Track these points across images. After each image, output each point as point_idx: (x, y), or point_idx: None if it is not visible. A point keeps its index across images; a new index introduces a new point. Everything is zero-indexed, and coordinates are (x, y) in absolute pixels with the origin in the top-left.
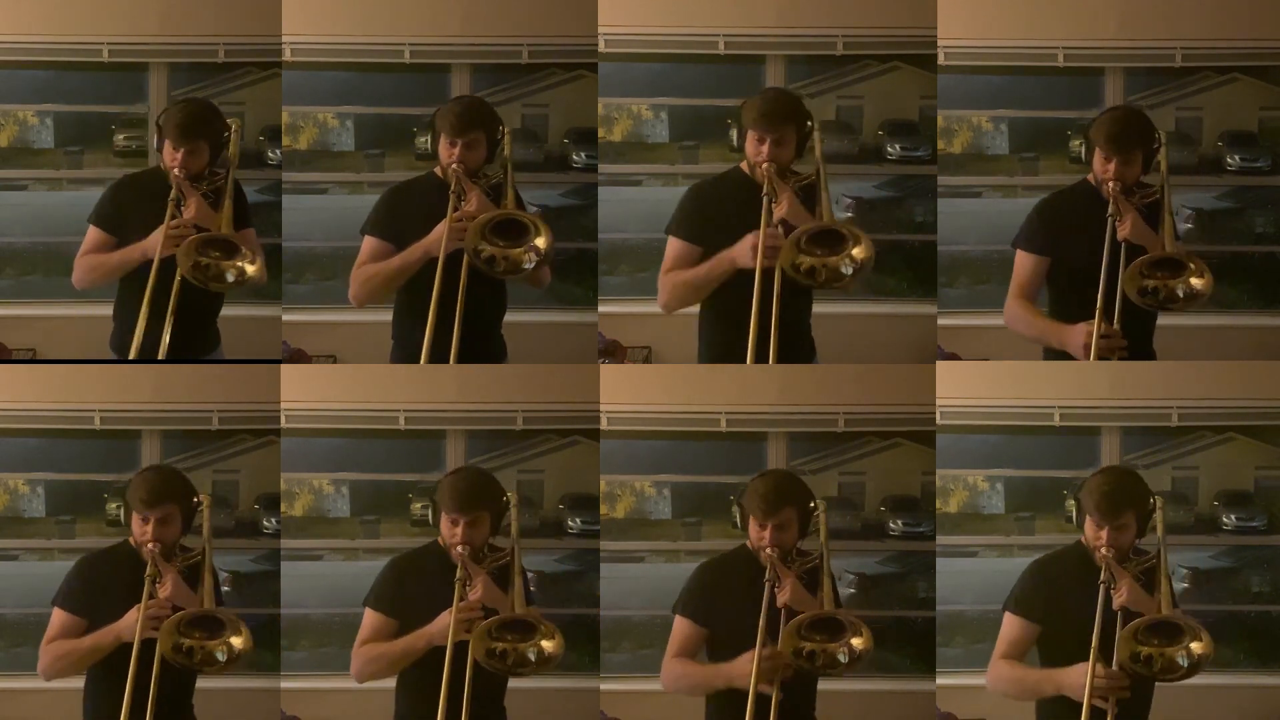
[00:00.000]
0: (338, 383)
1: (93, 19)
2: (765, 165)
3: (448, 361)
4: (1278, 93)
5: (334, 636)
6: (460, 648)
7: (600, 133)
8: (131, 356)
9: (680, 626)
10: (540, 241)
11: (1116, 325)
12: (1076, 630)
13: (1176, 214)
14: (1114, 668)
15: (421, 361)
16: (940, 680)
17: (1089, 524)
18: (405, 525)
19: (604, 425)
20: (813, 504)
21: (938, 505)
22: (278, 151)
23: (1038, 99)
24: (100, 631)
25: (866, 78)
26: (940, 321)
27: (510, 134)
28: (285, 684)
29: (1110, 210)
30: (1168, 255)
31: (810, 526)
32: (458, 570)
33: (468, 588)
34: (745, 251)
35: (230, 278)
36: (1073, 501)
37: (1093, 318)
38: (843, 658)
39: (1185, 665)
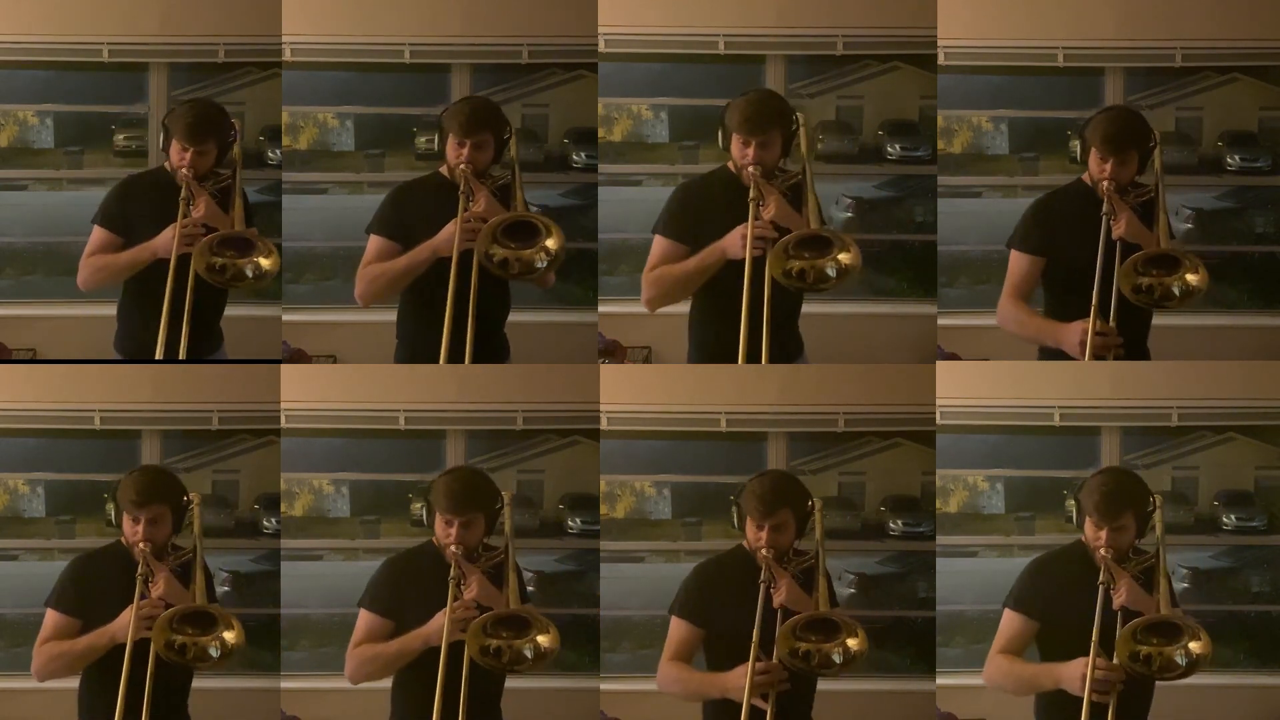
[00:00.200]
0: (338, 383)
1: (93, 19)
2: (751, 169)
3: (463, 361)
4: (1278, 93)
5: (334, 636)
6: (456, 647)
7: (600, 133)
8: (158, 357)
9: (676, 628)
10: (551, 243)
11: (1112, 323)
12: (1076, 628)
13: (1176, 214)
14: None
15: (441, 362)
16: (940, 680)
17: (1088, 524)
18: (405, 525)
19: (604, 425)
20: (810, 505)
21: (938, 505)
22: (278, 151)
23: (1038, 99)
24: (95, 633)
25: (866, 78)
26: (940, 321)
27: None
28: (285, 684)
29: (1105, 208)
30: (1162, 251)
31: (807, 528)
32: (452, 569)
33: (463, 587)
34: (735, 242)
35: (250, 273)
36: (1073, 501)
37: (1088, 317)
38: (837, 658)
39: (1184, 664)
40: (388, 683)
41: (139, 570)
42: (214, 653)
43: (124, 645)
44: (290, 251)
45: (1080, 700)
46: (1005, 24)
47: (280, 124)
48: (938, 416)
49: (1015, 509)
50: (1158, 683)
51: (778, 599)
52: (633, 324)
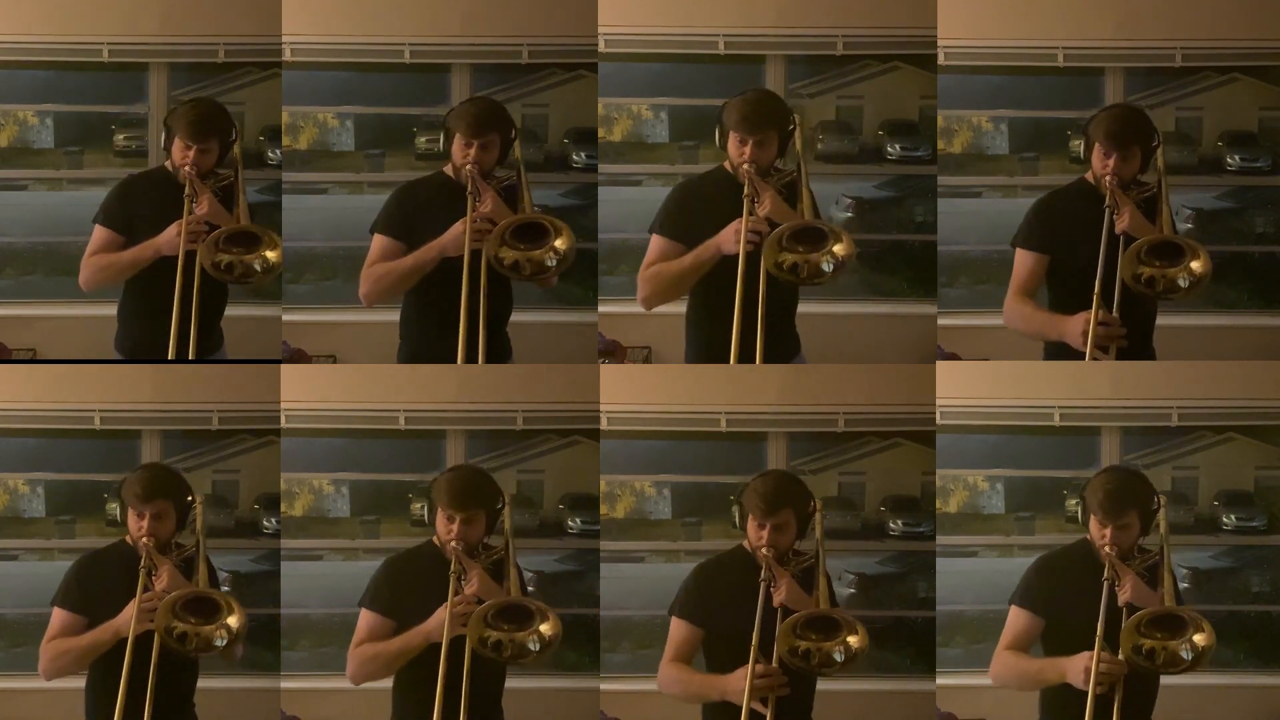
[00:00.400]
0: (338, 383)
1: (93, 19)
2: (746, 167)
3: (476, 362)
4: (1278, 93)
5: (334, 636)
6: (457, 643)
7: (600, 133)
8: (170, 358)
9: (677, 628)
10: (560, 243)
11: (1115, 314)
12: (1081, 625)
13: (1177, 214)
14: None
15: (458, 362)
16: (940, 680)
17: (1093, 522)
18: (405, 525)
19: (604, 425)
20: (811, 508)
21: (938, 505)
22: (278, 151)
23: (1038, 99)
24: (99, 628)
25: (866, 78)
26: (940, 321)
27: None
28: (285, 684)
29: (1108, 202)
30: (1166, 238)
31: (808, 529)
32: (453, 564)
33: (463, 582)
34: (729, 237)
35: (259, 268)
36: (1076, 500)
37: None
38: (838, 656)
39: (1189, 658)
40: (388, 683)
41: (142, 563)
42: (220, 642)
43: (128, 641)
44: (290, 251)
45: (1085, 695)
46: (1005, 24)
47: (280, 124)
48: (938, 416)
49: (1015, 509)
50: (1162, 680)
51: (778, 598)
52: (633, 324)
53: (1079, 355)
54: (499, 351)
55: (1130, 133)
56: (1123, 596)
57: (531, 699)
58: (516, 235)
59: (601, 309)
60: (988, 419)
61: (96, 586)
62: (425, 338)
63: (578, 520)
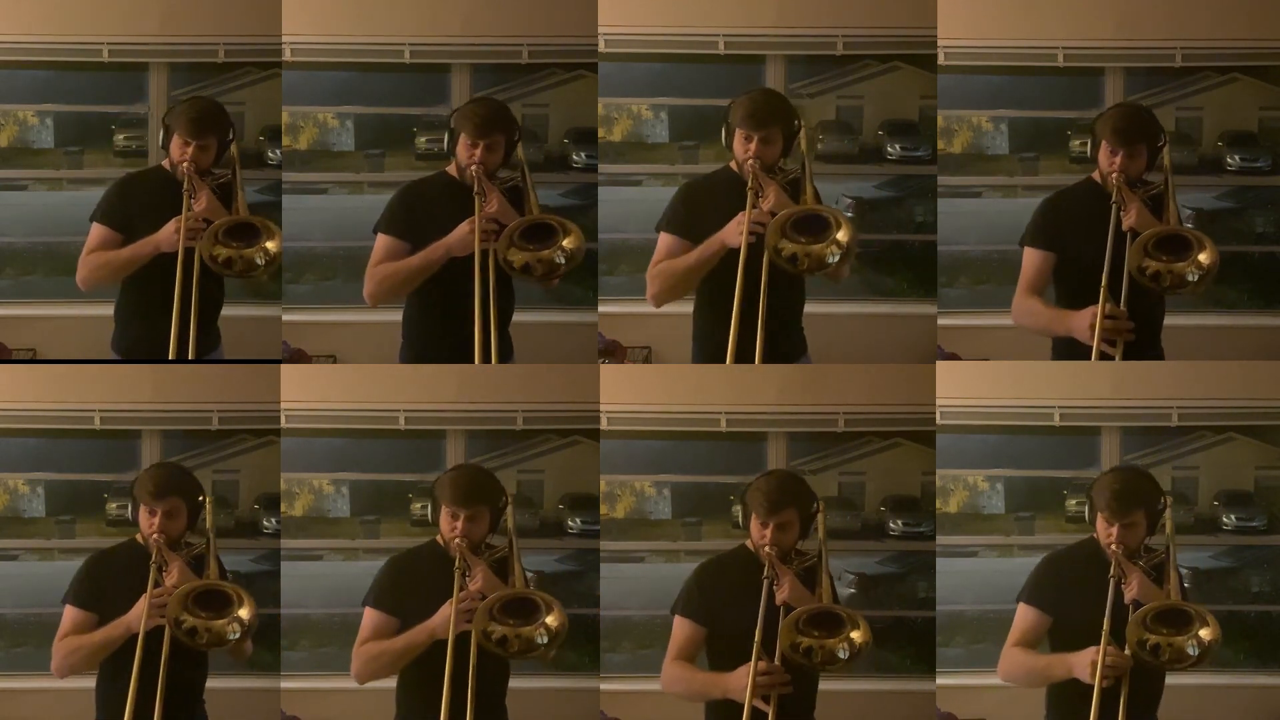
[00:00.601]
0: (338, 383)
1: (93, 19)
2: (751, 162)
3: (490, 362)
4: (1278, 93)
5: (334, 636)
6: (462, 640)
7: (600, 133)
8: (171, 357)
9: (680, 627)
10: (569, 242)
11: (1123, 307)
12: (1088, 622)
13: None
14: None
15: (475, 363)
16: (940, 680)
17: (1100, 521)
18: (405, 525)
19: (604, 425)
20: (814, 508)
21: (938, 505)
22: (278, 151)
23: (1038, 99)
24: (110, 624)
25: (866, 78)
26: (940, 321)
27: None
28: (285, 684)
29: (1115, 198)
30: (1173, 231)
31: (810, 530)
32: (457, 560)
33: (467, 578)
34: (734, 230)
35: (260, 261)
36: (1077, 500)
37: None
38: (842, 653)
39: (1195, 654)
40: (388, 683)
41: (153, 559)
42: (233, 635)
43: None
44: (290, 251)
45: (1091, 690)
46: (1005, 24)
47: (280, 124)
48: (938, 416)
49: (1015, 509)
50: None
51: (780, 596)
52: (633, 324)
53: (1087, 351)
54: (502, 351)
55: (1137, 130)
56: (1129, 594)
57: (531, 699)
58: (524, 236)
59: (601, 309)
60: (988, 419)
61: (108, 583)
62: (429, 337)
63: (578, 520)
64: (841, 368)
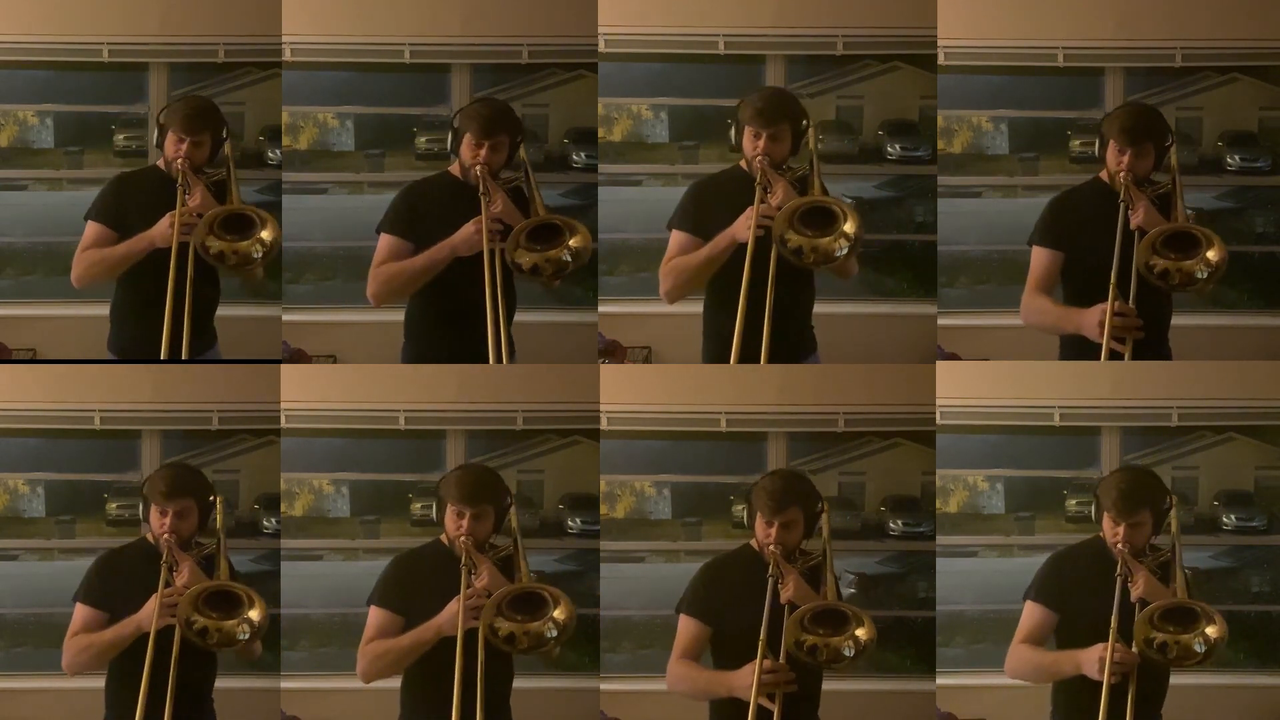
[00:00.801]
0: (338, 383)
1: (93, 19)
2: (759, 159)
3: (502, 361)
4: (1278, 93)
5: (334, 637)
6: (470, 638)
7: (600, 133)
8: (164, 353)
9: (685, 626)
10: (575, 242)
11: (1131, 304)
12: (1094, 621)
13: None
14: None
15: (490, 362)
16: (940, 680)
17: (1106, 520)
18: (405, 525)
19: (604, 425)
20: (819, 507)
21: (938, 505)
22: (278, 151)
23: (1038, 99)
24: (121, 623)
25: (866, 78)
26: (940, 321)
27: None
28: (285, 684)
29: (1123, 197)
30: (1181, 228)
31: (814, 529)
32: (464, 558)
33: (474, 576)
34: (743, 225)
35: (257, 252)
36: (1077, 500)
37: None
38: (848, 651)
39: (1202, 651)
40: (388, 683)
41: (163, 559)
42: (243, 635)
43: (149, 637)
44: (290, 251)
45: (1097, 686)
46: (1005, 24)
47: (280, 124)
48: (938, 416)
49: (1015, 509)
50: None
51: (785, 594)
52: (633, 324)
53: (1096, 349)
54: (507, 350)
55: (1144, 130)
56: (1135, 592)
57: (532, 699)
58: (531, 237)
59: (601, 309)
60: (988, 419)
61: (119, 583)
62: (431, 337)
63: (578, 520)
64: (841, 368)
